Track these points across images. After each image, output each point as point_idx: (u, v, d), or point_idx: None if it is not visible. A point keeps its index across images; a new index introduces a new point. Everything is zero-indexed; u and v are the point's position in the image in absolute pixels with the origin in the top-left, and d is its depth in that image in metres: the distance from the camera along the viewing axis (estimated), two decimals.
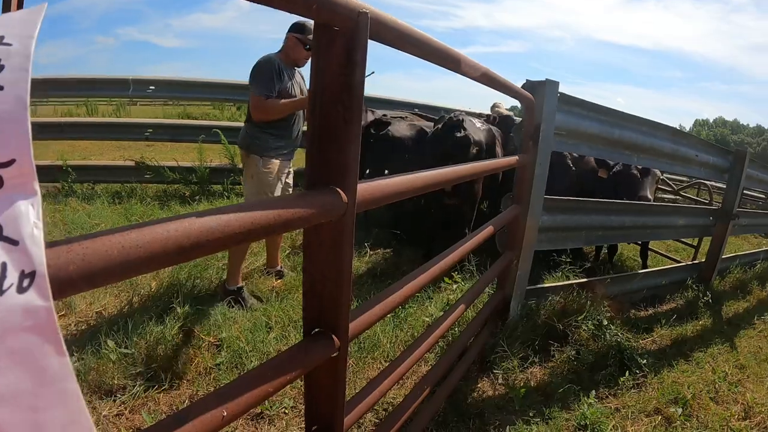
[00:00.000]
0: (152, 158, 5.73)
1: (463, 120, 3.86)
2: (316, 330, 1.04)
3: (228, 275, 3.11)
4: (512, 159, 2.42)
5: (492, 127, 4.44)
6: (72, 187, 5.24)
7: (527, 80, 2.61)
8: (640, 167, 4.17)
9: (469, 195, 4.00)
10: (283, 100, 2.91)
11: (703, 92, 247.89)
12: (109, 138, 6.10)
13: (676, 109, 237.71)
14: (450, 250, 1.81)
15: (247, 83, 2.99)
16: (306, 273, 1.02)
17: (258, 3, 0.72)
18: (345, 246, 0.98)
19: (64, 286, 0.48)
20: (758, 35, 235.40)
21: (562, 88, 2.65)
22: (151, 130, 5.79)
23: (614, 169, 4.29)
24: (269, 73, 2.87)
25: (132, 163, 5.58)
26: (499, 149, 4.28)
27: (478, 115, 5.21)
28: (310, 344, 1.01)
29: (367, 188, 1.04)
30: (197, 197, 5.38)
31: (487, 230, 2.13)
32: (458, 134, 3.73)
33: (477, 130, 4.01)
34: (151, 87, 6.01)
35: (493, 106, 5.82)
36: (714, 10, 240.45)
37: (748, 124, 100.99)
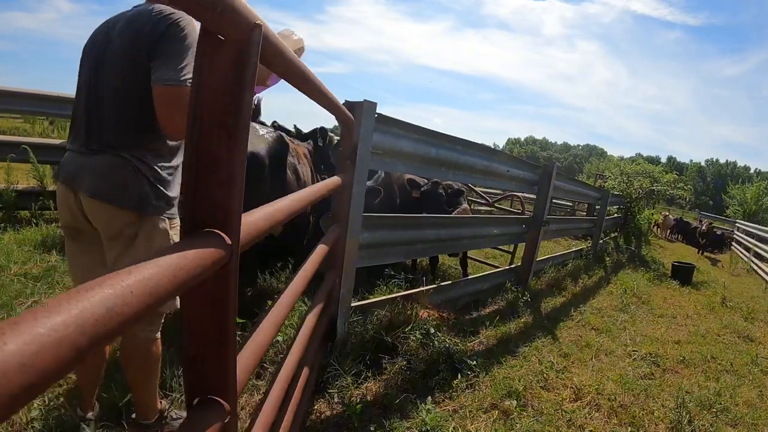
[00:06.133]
0: None
1: None
2: (201, 398, 0.90)
3: (139, 405, 1.93)
4: (336, 180, 2.42)
5: (287, 137, 3.51)
6: None
7: (346, 101, 2.64)
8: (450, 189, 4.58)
9: (298, 223, 3.56)
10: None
11: (516, 114, 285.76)
12: None
13: (491, 128, 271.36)
14: (291, 280, 1.76)
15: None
16: (185, 335, 0.87)
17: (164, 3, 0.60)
18: (229, 298, 0.84)
19: None
20: (564, 66, 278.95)
21: (384, 109, 2.77)
22: None
23: (423, 188, 4.61)
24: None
25: None
26: (302, 165, 3.52)
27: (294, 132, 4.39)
28: (201, 416, 0.86)
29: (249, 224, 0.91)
30: (2, 225, 4.62)
31: (322, 249, 2.12)
32: None
33: (254, 138, 3.14)
34: None
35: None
36: (527, 42, 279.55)
37: (556, 142, 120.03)
